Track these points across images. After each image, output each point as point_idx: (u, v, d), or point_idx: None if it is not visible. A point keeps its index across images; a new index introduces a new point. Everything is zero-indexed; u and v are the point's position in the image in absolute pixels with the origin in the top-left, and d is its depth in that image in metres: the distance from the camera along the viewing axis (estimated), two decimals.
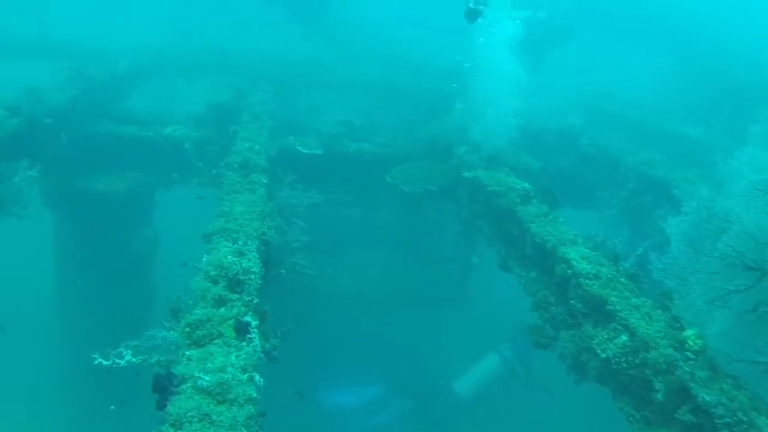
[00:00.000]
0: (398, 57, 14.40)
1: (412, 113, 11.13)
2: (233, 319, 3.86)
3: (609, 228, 9.91)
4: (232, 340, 3.71)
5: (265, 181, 6.43)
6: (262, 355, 3.79)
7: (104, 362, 3.94)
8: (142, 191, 9.59)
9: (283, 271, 5.58)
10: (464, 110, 11.15)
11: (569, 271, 5.59)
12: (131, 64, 11.84)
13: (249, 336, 3.76)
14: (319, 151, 9.68)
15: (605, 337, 4.73)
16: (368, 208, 12.36)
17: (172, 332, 4.71)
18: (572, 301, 5.42)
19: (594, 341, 4.76)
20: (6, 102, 8.93)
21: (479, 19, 9.73)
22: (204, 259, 4.63)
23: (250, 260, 4.61)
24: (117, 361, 3.94)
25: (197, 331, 3.69)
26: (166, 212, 10.39)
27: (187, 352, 3.59)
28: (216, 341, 3.68)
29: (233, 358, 3.54)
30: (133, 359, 3.97)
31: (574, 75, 16.15)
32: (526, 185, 7.16)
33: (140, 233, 9.85)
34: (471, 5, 8.17)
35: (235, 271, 4.25)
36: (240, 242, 4.88)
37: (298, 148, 9.59)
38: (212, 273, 4.22)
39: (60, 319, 10.09)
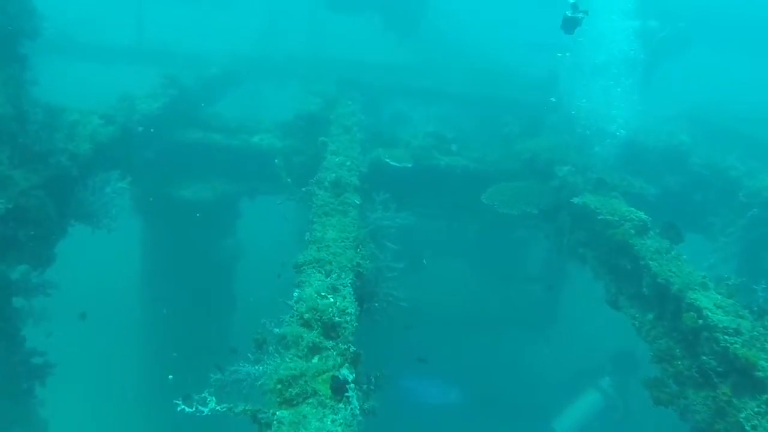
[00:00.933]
0: (491, 66, 13.76)
1: (507, 126, 10.47)
2: (328, 374, 3.41)
3: (724, 259, 8.97)
4: (328, 400, 3.25)
5: (357, 201, 6.00)
6: (360, 418, 3.32)
7: (187, 409, 3.58)
8: (228, 200, 9.42)
9: (376, 304, 5.12)
10: (565, 125, 10.45)
11: (700, 322, 4.85)
12: (222, 70, 11.77)
13: (346, 395, 3.30)
14: (409, 165, 9.22)
15: (756, 410, 3.98)
16: (453, 221, 11.84)
17: (257, 367, 4.35)
18: (704, 357, 4.68)
19: (741, 415, 4.02)
20: (101, 109, 9.00)
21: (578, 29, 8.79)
22: (295, 294, 4.22)
23: (345, 298, 4.17)
24: (201, 408, 3.57)
25: (289, 389, 3.25)
26: (250, 221, 10.22)
27: (277, 413, 3.16)
28: (310, 400, 3.24)
29: (329, 422, 3.09)
30: (218, 407, 3.58)
31: (679, 83, 14.97)
32: (643, 215, 6.40)
33: (224, 242, 9.70)
34: (569, 13, 7.20)
35: (331, 314, 3.81)
36: (334, 275, 4.45)
37: (387, 160, 9.16)
38: (306, 316, 3.79)
39: (141, 322, 10.08)
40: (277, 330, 4.28)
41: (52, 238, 5.93)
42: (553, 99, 11.42)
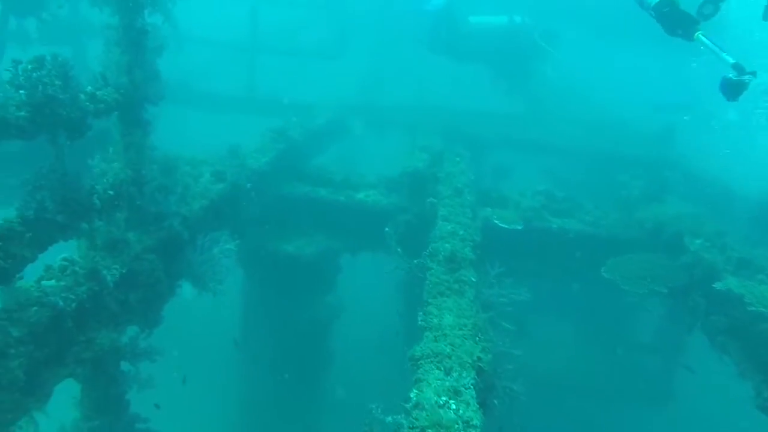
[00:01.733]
0: (603, 119, 13.06)
1: (625, 187, 9.74)
2: None
3: None
4: None
5: (474, 279, 5.56)
6: None
7: None
8: (330, 255, 9.23)
9: (495, 401, 4.62)
10: (690, 186, 9.63)
11: None
12: (328, 120, 11.77)
13: None
14: (519, 227, 8.72)
15: None
16: (560, 284, 11.10)
17: None
18: None
19: None
20: (212, 159, 9.14)
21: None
22: (413, 396, 3.81)
23: (468, 405, 3.72)
24: None
25: None
26: (349, 278, 9.98)
27: None
28: None
29: None
30: None
31: None
32: None
33: (324, 299, 9.50)
34: (732, 76, 6.00)
35: (456, 431, 3.36)
36: (454, 374, 4.01)
37: (496, 222, 8.71)
38: None
39: (240, 376, 9.98)
40: (388, 420, 3.92)
41: (161, 300, 5.87)
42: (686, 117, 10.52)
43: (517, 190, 9.85)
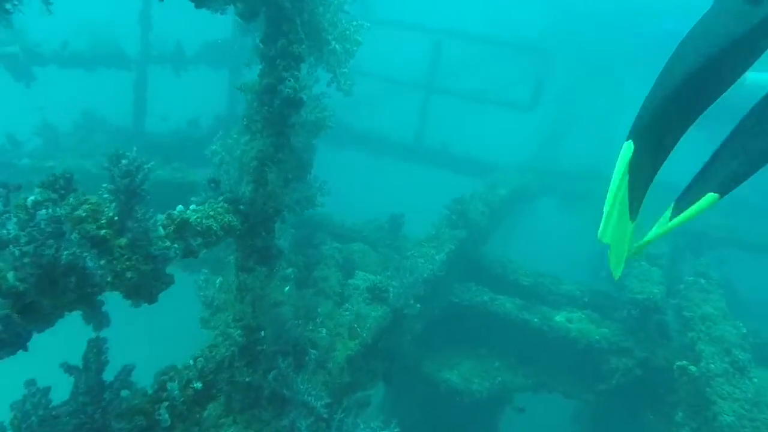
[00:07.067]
0: None
1: None
2: None
3: None
4: None
5: None
6: None
7: None
8: (505, 395, 6.44)
9: None
10: None
11: None
12: (511, 191, 8.94)
13: None
14: None
15: None
16: None
17: None
18: None
19: None
20: (366, 231, 6.88)
21: None
22: None
23: None
24: None
25: None
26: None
27: None
28: None
29: None
30: None
31: None
32: None
33: None
34: None
35: None
36: None
37: None
38: None
39: None
40: None
41: None
42: None
43: None
